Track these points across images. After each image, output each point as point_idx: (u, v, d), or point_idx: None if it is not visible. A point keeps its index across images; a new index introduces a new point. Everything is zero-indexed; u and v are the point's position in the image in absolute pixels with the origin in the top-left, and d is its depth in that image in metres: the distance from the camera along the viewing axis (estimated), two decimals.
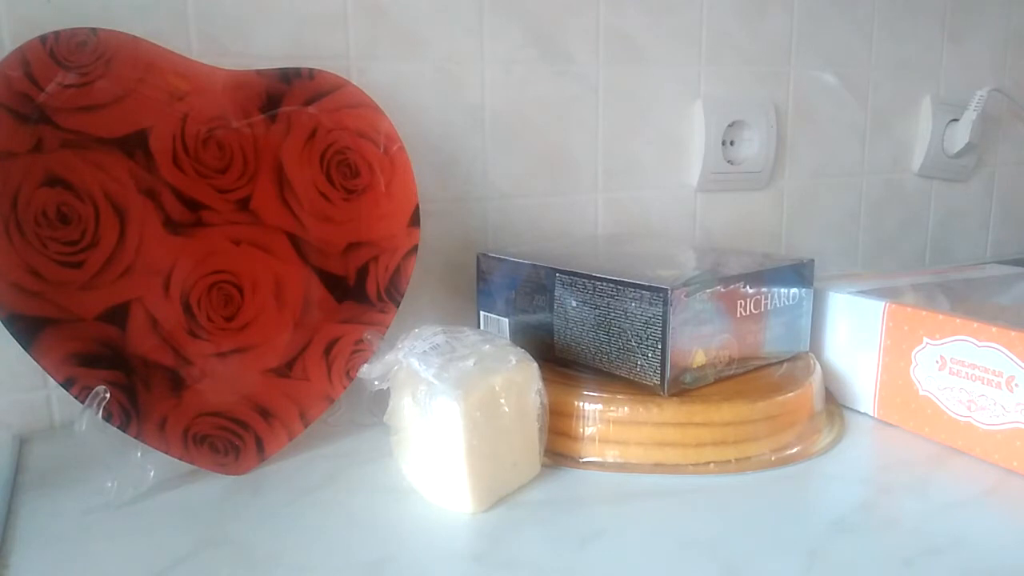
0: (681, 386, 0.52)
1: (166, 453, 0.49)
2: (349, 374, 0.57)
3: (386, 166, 0.59)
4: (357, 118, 0.58)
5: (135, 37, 0.51)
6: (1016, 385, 0.49)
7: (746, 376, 0.56)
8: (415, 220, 0.59)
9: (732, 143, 0.84)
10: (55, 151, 0.49)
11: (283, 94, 0.56)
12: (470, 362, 0.46)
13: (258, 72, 0.56)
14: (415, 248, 0.59)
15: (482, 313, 0.64)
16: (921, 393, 0.55)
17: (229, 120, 0.55)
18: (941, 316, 0.53)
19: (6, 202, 0.48)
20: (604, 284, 0.53)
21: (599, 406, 0.51)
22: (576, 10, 0.73)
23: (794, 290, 0.58)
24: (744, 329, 0.55)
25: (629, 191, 0.80)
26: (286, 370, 0.56)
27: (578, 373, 0.55)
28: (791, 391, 0.53)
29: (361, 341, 0.57)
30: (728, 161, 0.83)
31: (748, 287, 0.54)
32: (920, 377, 0.55)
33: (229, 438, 0.52)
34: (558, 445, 0.52)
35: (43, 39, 0.48)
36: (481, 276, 0.64)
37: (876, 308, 0.57)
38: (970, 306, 0.56)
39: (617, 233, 0.78)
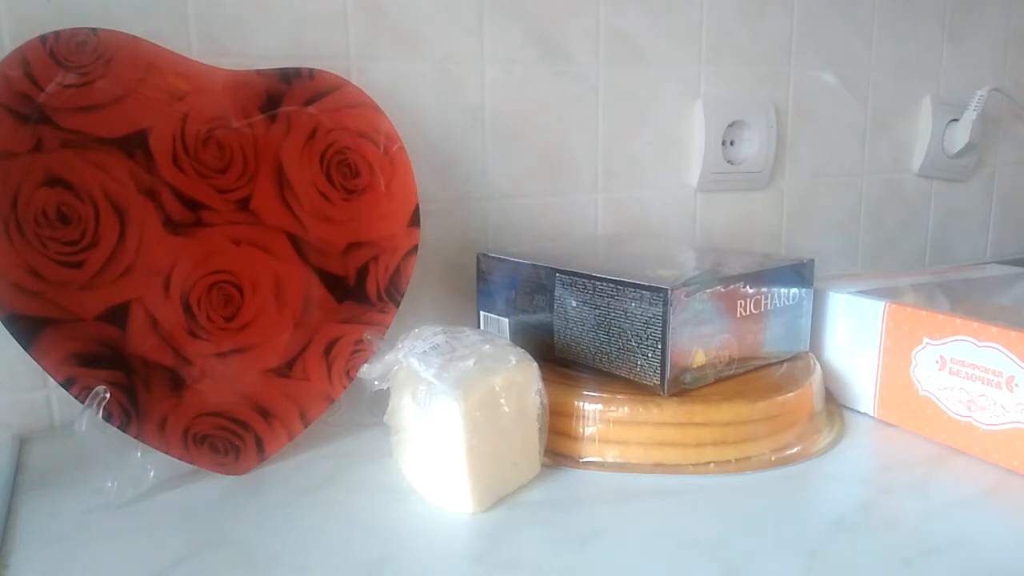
0: (681, 386, 0.52)
1: (166, 453, 0.49)
2: (349, 374, 0.57)
3: (386, 166, 0.59)
4: (357, 118, 0.58)
5: (135, 37, 0.51)
6: (1016, 385, 0.49)
7: (746, 376, 0.56)
8: (415, 220, 0.59)
9: (732, 143, 0.84)
10: (55, 151, 0.49)
11: (283, 94, 0.56)
12: (470, 362, 0.46)
13: (258, 72, 0.56)
14: (415, 248, 0.59)
15: (482, 313, 0.64)
16: (921, 393, 0.55)
17: (229, 120, 0.55)
18: (941, 316, 0.53)
19: (6, 202, 0.48)
20: (604, 284, 0.53)
21: (599, 406, 0.51)
22: (576, 10, 0.73)
23: (794, 290, 0.58)
24: (744, 329, 0.55)
25: (629, 191, 0.80)
26: (286, 370, 0.56)
27: (578, 373, 0.55)
28: (791, 391, 0.53)
29: (361, 341, 0.57)
30: (728, 161, 0.83)
31: (748, 287, 0.54)
32: (920, 377, 0.55)
33: (229, 438, 0.52)
34: (558, 445, 0.52)
35: (43, 39, 0.48)
36: (481, 276, 0.64)
37: (876, 308, 0.57)
38: (970, 306, 0.56)
39: (617, 233, 0.78)
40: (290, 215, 0.57)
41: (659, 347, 0.50)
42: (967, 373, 0.52)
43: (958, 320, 0.52)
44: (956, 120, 0.97)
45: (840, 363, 0.61)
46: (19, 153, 0.48)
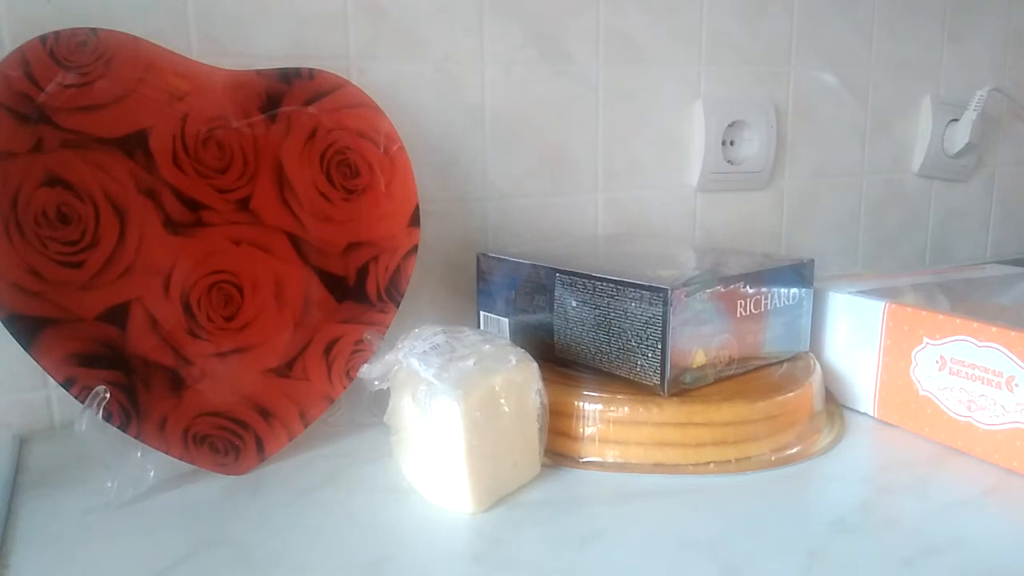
0: (681, 386, 0.52)
1: (166, 453, 0.49)
2: (349, 374, 0.57)
3: (386, 166, 0.59)
4: (357, 118, 0.58)
5: (135, 37, 0.51)
6: (1016, 385, 0.49)
7: (746, 376, 0.56)
8: (415, 220, 0.59)
9: (732, 143, 0.84)
10: (55, 151, 0.49)
11: (283, 94, 0.56)
12: (470, 362, 0.46)
13: (258, 72, 0.56)
14: (415, 248, 0.59)
15: (482, 313, 0.64)
16: (921, 393, 0.55)
17: (229, 120, 0.55)
18: (941, 316, 0.53)
19: (6, 202, 0.48)
20: (604, 284, 0.53)
21: (599, 406, 0.51)
22: (576, 10, 0.73)
23: (794, 290, 0.58)
24: (744, 329, 0.55)
25: (629, 191, 0.80)
26: (286, 370, 0.56)
27: (578, 373, 0.55)
28: (791, 391, 0.53)
29: (361, 341, 0.57)
30: (728, 161, 0.83)
31: (748, 287, 0.54)
32: (920, 377, 0.55)
33: (229, 438, 0.52)
34: (558, 445, 0.52)
35: (43, 39, 0.48)
36: (481, 276, 0.64)
37: (876, 308, 0.57)
38: (970, 306, 0.56)
39: (617, 233, 0.78)
40: (290, 215, 0.57)
41: (659, 347, 0.50)
42: (967, 373, 0.52)
43: (958, 320, 0.52)
44: (956, 120, 0.97)
45: (840, 363, 0.61)
46: (19, 153, 0.48)
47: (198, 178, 0.54)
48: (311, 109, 0.57)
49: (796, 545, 0.42)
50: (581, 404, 0.51)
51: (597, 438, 0.51)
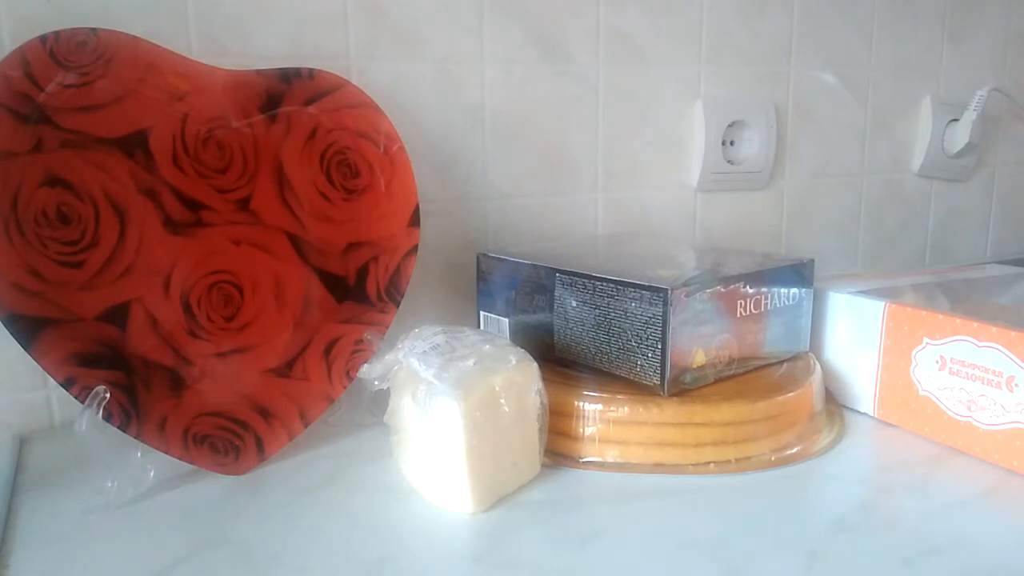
0: (681, 386, 0.52)
1: (166, 453, 0.49)
2: (349, 374, 0.57)
3: (386, 166, 0.59)
4: (357, 118, 0.58)
5: (135, 37, 0.51)
6: (1016, 385, 0.49)
7: (746, 376, 0.56)
8: (415, 220, 0.59)
9: (732, 143, 0.84)
10: (55, 151, 0.49)
11: (283, 94, 0.56)
12: (470, 362, 0.46)
13: (258, 72, 0.56)
14: (415, 248, 0.59)
15: (482, 313, 0.64)
16: (921, 393, 0.55)
17: (229, 120, 0.55)
18: (941, 316, 0.53)
19: (6, 202, 0.48)
20: (604, 284, 0.53)
21: (599, 406, 0.51)
22: (576, 10, 0.73)
23: (794, 290, 0.58)
24: (744, 329, 0.55)
25: (629, 191, 0.80)
26: (286, 370, 0.56)
27: (578, 373, 0.55)
28: (791, 391, 0.53)
29: (361, 341, 0.57)
30: (728, 161, 0.83)
31: (748, 287, 0.54)
32: (920, 377, 0.55)
33: (229, 438, 0.52)
34: (558, 445, 0.52)
35: (43, 39, 0.48)
36: (481, 276, 0.64)
37: (876, 308, 0.57)
38: (970, 306, 0.56)
39: (617, 233, 0.78)
40: (290, 215, 0.57)
41: (659, 347, 0.50)
42: (967, 373, 0.52)
43: (958, 320, 0.52)
44: (956, 120, 0.97)
45: (840, 363, 0.61)
46: (19, 153, 0.48)
47: (198, 178, 0.54)
48: (311, 109, 0.57)
49: (796, 545, 0.42)
50: (581, 404, 0.51)
51: (597, 438, 0.51)
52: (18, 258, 0.48)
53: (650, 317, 0.51)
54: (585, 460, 0.52)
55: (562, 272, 0.56)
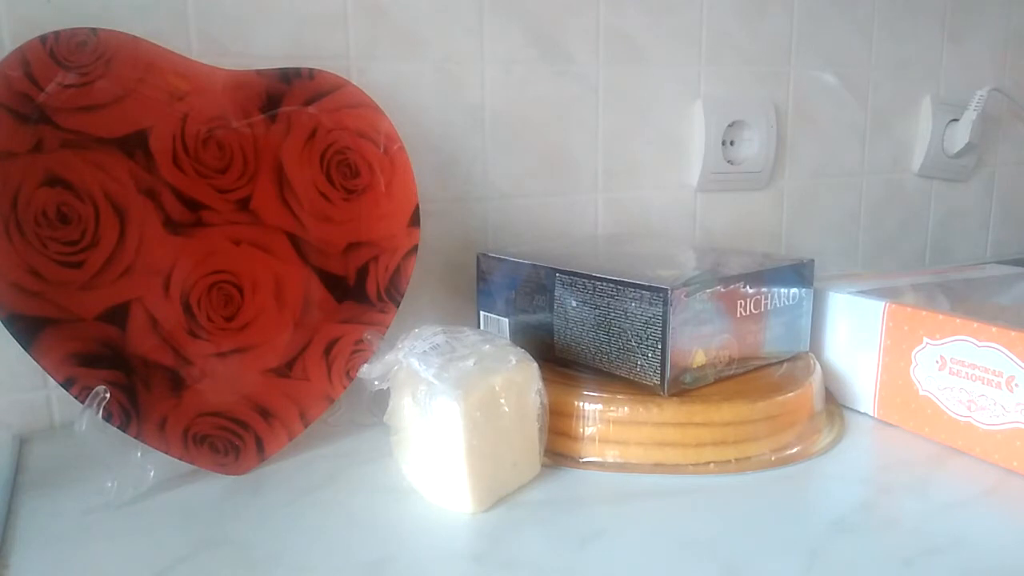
0: (681, 386, 0.52)
1: (166, 453, 0.49)
2: (349, 374, 0.57)
3: (386, 166, 0.59)
4: (357, 118, 0.58)
5: (135, 37, 0.51)
6: (1016, 385, 0.49)
7: (746, 376, 0.56)
8: (415, 220, 0.59)
9: (732, 143, 0.84)
10: (55, 151, 0.49)
11: (283, 94, 0.56)
12: (470, 362, 0.46)
13: (258, 72, 0.56)
14: (415, 248, 0.59)
15: (482, 313, 0.64)
16: (921, 393, 0.55)
17: (229, 120, 0.55)
18: (941, 316, 0.53)
19: (6, 202, 0.48)
20: (604, 284, 0.53)
21: (599, 406, 0.51)
22: (576, 10, 0.73)
23: (794, 290, 0.58)
24: (744, 329, 0.55)
25: (629, 191, 0.80)
26: (286, 370, 0.56)
27: (578, 373, 0.55)
28: (791, 391, 0.53)
29: (361, 341, 0.57)
30: (728, 161, 0.83)
31: (748, 287, 0.54)
32: (920, 377, 0.55)
33: (229, 438, 0.52)
34: (558, 445, 0.52)
35: (43, 39, 0.48)
36: (481, 276, 0.64)
37: (876, 308, 0.57)
38: (970, 306, 0.56)
39: (617, 233, 0.78)
40: (290, 215, 0.57)
41: (659, 347, 0.50)
42: (967, 373, 0.52)
43: (958, 320, 0.52)
44: (956, 120, 0.97)
45: (840, 363, 0.61)
46: (19, 153, 0.48)
47: (198, 178, 0.54)
48: (311, 109, 0.57)
49: (796, 545, 0.42)
50: (581, 404, 0.51)
51: (597, 438, 0.51)
52: (18, 258, 0.48)
53: (650, 317, 0.51)
54: (585, 460, 0.52)
55: (562, 272, 0.56)
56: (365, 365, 0.50)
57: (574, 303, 0.55)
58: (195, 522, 0.45)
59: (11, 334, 0.46)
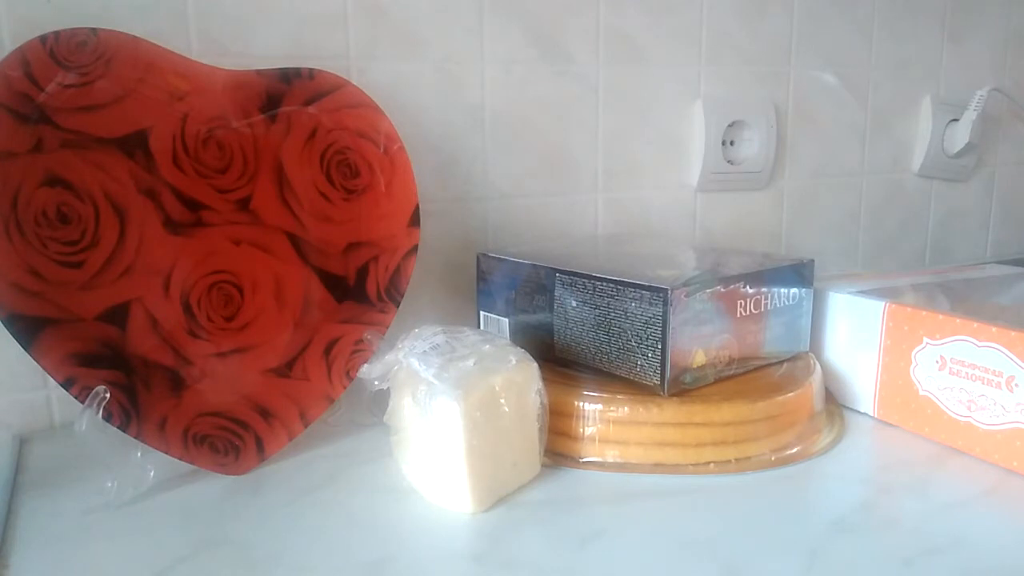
0: (681, 386, 0.52)
1: (166, 453, 0.49)
2: (349, 374, 0.57)
3: (386, 166, 0.59)
4: (357, 118, 0.58)
5: (135, 37, 0.51)
6: (1016, 385, 0.49)
7: (746, 376, 0.56)
8: (415, 220, 0.59)
9: (732, 143, 0.84)
10: (55, 151, 0.49)
11: (283, 94, 0.56)
12: (470, 362, 0.46)
13: (258, 72, 0.56)
14: (415, 248, 0.59)
15: (482, 313, 0.64)
16: (921, 393, 0.55)
17: (229, 120, 0.55)
18: (941, 316, 0.53)
19: (6, 202, 0.48)
20: (604, 284, 0.53)
21: (599, 406, 0.51)
22: (576, 10, 0.73)
23: (794, 290, 0.58)
24: (744, 329, 0.55)
25: (629, 191, 0.80)
26: (286, 370, 0.56)
27: (578, 373, 0.55)
28: (791, 391, 0.53)
29: (361, 341, 0.57)
30: (728, 161, 0.83)
31: (748, 287, 0.54)
32: (920, 377, 0.55)
33: (229, 438, 0.52)
34: (558, 445, 0.52)
35: (43, 39, 0.48)
36: (481, 276, 0.64)
37: (876, 308, 0.57)
38: (970, 306, 0.56)
39: (617, 233, 0.78)
40: (290, 215, 0.57)
41: (659, 347, 0.50)
42: (967, 373, 0.52)
43: (958, 320, 0.52)
44: (956, 120, 0.97)
45: (840, 363, 0.61)
46: (19, 153, 0.48)
47: (198, 178, 0.54)
48: (311, 109, 0.57)
49: (796, 545, 0.42)
50: (581, 404, 0.51)
51: (597, 438, 0.51)
52: (18, 258, 0.48)
53: (650, 317, 0.51)
54: (585, 460, 0.52)
55: (562, 272, 0.56)
56: (365, 365, 0.50)
57: (574, 303, 0.55)
58: (195, 522, 0.45)
59: (11, 334, 0.46)
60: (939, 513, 0.45)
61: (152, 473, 0.49)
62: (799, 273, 0.58)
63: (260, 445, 0.53)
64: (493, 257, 0.62)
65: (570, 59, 0.74)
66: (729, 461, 0.51)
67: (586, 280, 0.54)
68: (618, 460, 0.51)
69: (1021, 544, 0.42)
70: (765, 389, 0.53)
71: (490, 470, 0.46)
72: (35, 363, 0.47)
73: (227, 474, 0.51)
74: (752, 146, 0.84)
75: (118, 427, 0.48)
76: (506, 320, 0.62)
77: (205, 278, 0.55)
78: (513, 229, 0.74)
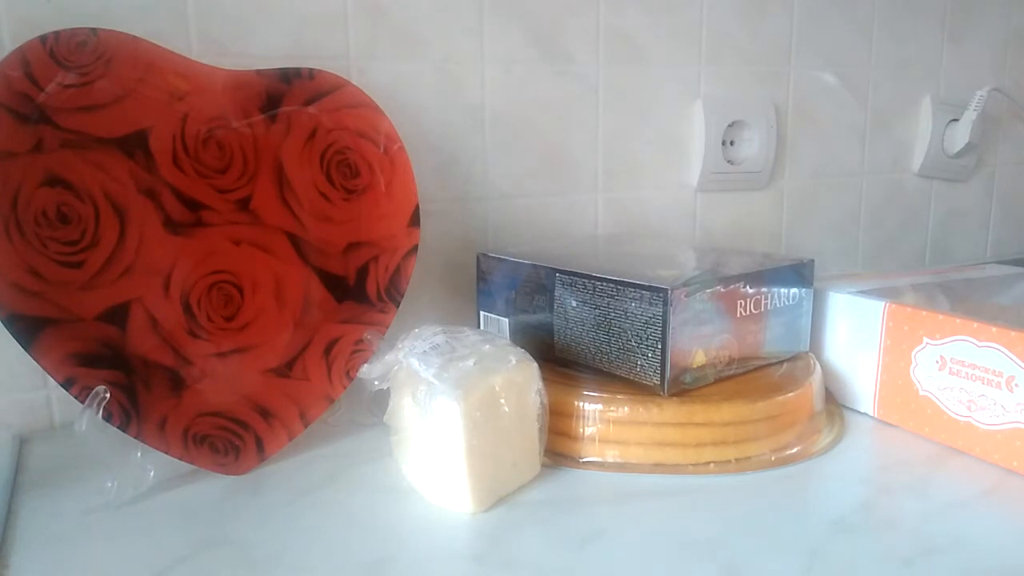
0: (681, 386, 0.52)
1: (166, 453, 0.49)
2: (349, 374, 0.57)
3: (386, 166, 0.59)
4: (357, 118, 0.58)
5: (135, 37, 0.51)
6: (1016, 385, 0.49)
7: (746, 376, 0.56)
8: (415, 220, 0.59)
9: (732, 143, 0.84)
10: (55, 151, 0.49)
11: (283, 94, 0.56)
12: (470, 362, 0.46)
13: (258, 72, 0.56)
14: (415, 248, 0.59)
15: (482, 313, 0.64)
16: (921, 393, 0.55)
17: (229, 120, 0.55)
18: (941, 316, 0.53)
19: (6, 202, 0.48)
20: (604, 284, 0.53)
21: (599, 406, 0.51)
22: (576, 10, 0.73)
23: (794, 290, 0.58)
24: (744, 329, 0.55)
25: (629, 191, 0.80)
26: (286, 370, 0.56)
27: (578, 373, 0.55)
28: (791, 391, 0.53)
29: (361, 341, 0.57)
30: (728, 161, 0.83)
31: (748, 287, 0.54)
32: (920, 377, 0.55)
33: (229, 438, 0.52)
34: (558, 445, 0.52)
35: (43, 39, 0.48)
36: (481, 276, 0.64)
37: (876, 308, 0.57)
38: (970, 306, 0.56)
39: (617, 233, 0.78)
40: (290, 215, 0.57)
41: (659, 347, 0.50)
42: (967, 373, 0.52)
43: (958, 320, 0.52)
44: (956, 120, 0.97)
45: (840, 363, 0.61)
46: (19, 153, 0.48)
47: (198, 178, 0.54)
48: (311, 109, 0.57)
49: (796, 545, 0.42)
50: (581, 404, 0.51)
51: (597, 438, 0.51)
52: (18, 258, 0.48)
53: (650, 317, 0.51)
54: (585, 460, 0.52)
55: (562, 272, 0.56)
56: (365, 365, 0.50)
57: (574, 303, 0.55)
58: (195, 522, 0.45)
59: (11, 334, 0.46)
60: (939, 513, 0.45)
61: (152, 473, 0.49)
62: (799, 273, 0.58)
63: (260, 445, 0.53)
64: (493, 257, 0.62)
65: (570, 59, 0.74)
66: (729, 461, 0.51)
67: (586, 280, 0.54)
68: (618, 460, 0.51)
69: (1021, 544, 0.42)
70: (765, 389, 0.53)
71: (490, 470, 0.46)
72: (35, 363, 0.47)
73: (227, 474, 0.51)
74: (752, 146, 0.84)
75: (118, 427, 0.48)
76: (506, 320, 0.62)
77: (205, 278, 0.55)
78: (513, 229, 0.74)
